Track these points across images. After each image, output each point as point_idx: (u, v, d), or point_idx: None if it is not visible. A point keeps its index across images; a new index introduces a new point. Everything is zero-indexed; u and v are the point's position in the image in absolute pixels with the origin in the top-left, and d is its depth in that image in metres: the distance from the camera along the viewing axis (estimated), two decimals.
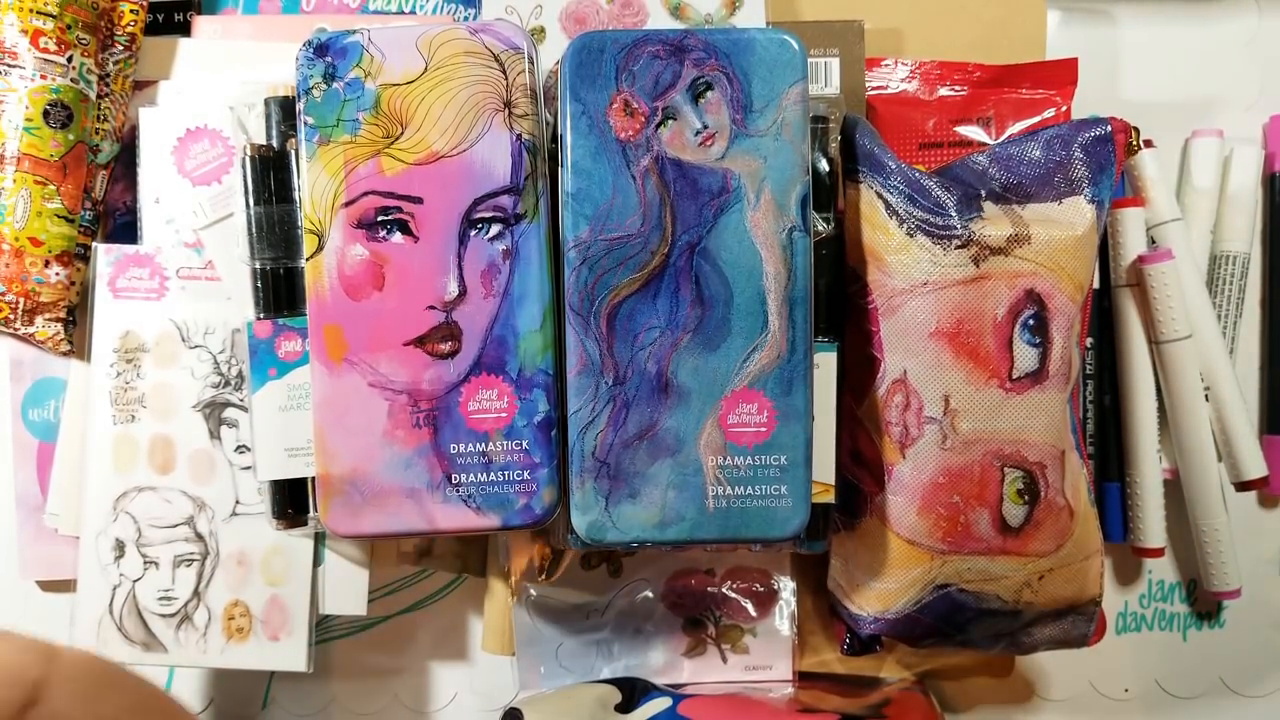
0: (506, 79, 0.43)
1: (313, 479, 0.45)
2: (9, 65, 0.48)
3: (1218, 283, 0.55)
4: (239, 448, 0.49)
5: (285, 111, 0.46)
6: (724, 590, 0.54)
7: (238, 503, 0.50)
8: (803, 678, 0.54)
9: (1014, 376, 0.45)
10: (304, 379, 0.45)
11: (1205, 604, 0.57)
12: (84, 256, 0.51)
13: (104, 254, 0.50)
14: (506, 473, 0.43)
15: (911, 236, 0.45)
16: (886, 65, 0.53)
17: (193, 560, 0.49)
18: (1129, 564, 0.57)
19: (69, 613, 0.50)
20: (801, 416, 0.43)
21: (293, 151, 0.45)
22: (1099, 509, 0.49)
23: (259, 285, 0.45)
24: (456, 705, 0.57)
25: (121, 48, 0.51)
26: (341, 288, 0.43)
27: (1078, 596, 0.48)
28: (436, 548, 0.54)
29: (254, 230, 0.45)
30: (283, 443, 0.45)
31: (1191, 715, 0.58)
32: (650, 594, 0.54)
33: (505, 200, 0.43)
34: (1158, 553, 0.53)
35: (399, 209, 0.43)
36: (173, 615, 0.49)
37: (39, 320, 0.50)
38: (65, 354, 0.52)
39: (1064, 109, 0.52)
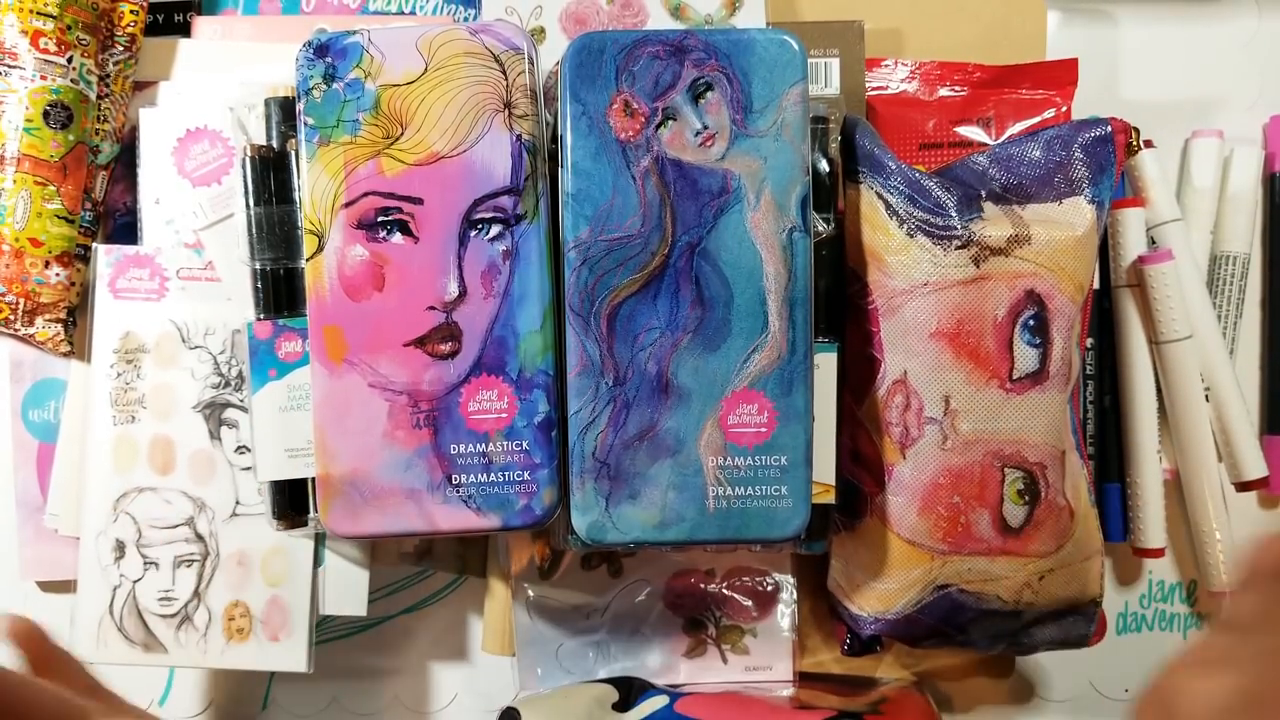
0: (506, 79, 0.43)
1: (313, 479, 0.45)
2: (9, 66, 0.48)
3: (1218, 283, 0.55)
4: (239, 448, 0.49)
5: (285, 112, 0.46)
6: (724, 590, 0.54)
7: (238, 503, 0.49)
8: (802, 678, 0.54)
9: (1014, 377, 0.45)
10: (304, 380, 0.45)
11: (1205, 604, 0.57)
12: (84, 257, 0.51)
13: (104, 255, 0.50)
14: (507, 473, 0.43)
15: (912, 237, 0.45)
16: (886, 65, 0.53)
17: (193, 561, 0.49)
18: (1129, 564, 0.57)
19: (69, 613, 0.50)
20: (802, 417, 0.43)
21: (293, 152, 0.45)
22: (1099, 509, 0.49)
23: (259, 286, 0.45)
24: (456, 706, 0.57)
25: (121, 48, 0.51)
26: (341, 288, 0.43)
27: (1078, 597, 0.48)
28: (437, 548, 0.54)
29: (254, 231, 0.45)
30: (283, 443, 0.45)
31: None
32: (650, 594, 0.54)
33: (505, 201, 0.43)
34: (1158, 553, 0.53)
35: (399, 209, 0.42)
36: (173, 616, 0.49)
37: (39, 321, 0.50)
38: (65, 355, 0.52)
39: (1064, 109, 0.52)
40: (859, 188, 0.47)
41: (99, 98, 0.50)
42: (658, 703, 0.49)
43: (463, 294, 0.43)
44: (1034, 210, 0.46)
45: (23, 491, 0.52)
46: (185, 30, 0.53)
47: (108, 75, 0.51)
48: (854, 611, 0.49)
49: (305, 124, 0.43)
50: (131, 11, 0.51)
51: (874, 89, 0.53)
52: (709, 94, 0.43)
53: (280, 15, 0.53)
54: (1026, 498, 0.46)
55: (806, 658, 0.54)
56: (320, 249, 0.43)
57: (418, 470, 0.43)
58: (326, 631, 0.56)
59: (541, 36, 0.52)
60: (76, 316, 0.51)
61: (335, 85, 0.43)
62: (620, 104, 0.42)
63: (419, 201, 0.42)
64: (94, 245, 0.50)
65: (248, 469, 0.49)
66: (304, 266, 0.43)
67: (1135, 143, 0.48)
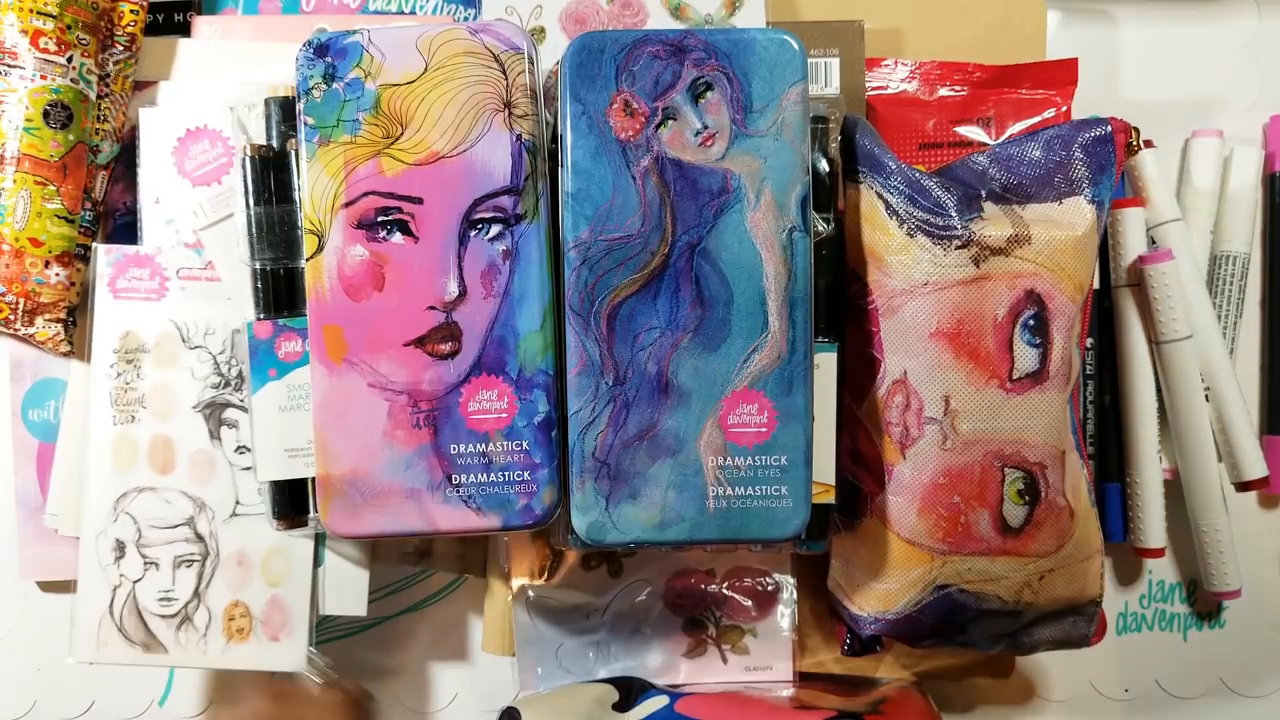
0: (506, 79, 0.43)
1: (313, 479, 0.45)
2: (9, 65, 0.48)
3: (1218, 283, 0.55)
4: (239, 448, 0.49)
5: (285, 112, 0.46)
6: (724, 590, 0.54)
7: (238, 503, 0.49)
8: (802, 678, 0.54)
9: (1014, 377, 0.45)
10: (304, 379, 0.45)
11: (1205, 604, 0.58)
12: (84, 257, 0.51)
13: (104, 254, 0.50)
14: (507, 473, 0.43)
15: (912, 237, 0.45)
16: (886, 65, 0.53)
17: (193, 561, 0.49)
18: (1129, 564, 0.57)
19: (69, 613, 0.50)
20: (802, 417, 0.43)
21: (293, 152, 0.45)
22: (1099, 509, 0.49)
23: (259, 286, 0.45)
24: (457, 706, 0.57)
25: (121, 48, 0.51)
26: (341, 288, 0.43)
27: (1078, 597, 0.48)
28: (437, 548, 0.54)
29: (254, 230, 0.45)
30: (283, 443, 0.45)
31: (1191, 715, 0.58)
32: (650, 594, 0.54)
33: (505, 200, 0.43)
34: (1158, 553, 0.53)
35: (399, 209, 0.42)
36: (173, 616, 0.49)
37: (39, 321, 0.50)
38: (65, 354, 0.52)
39: (1064, 109, 0.52)
40: (859, 187, 0.47)
41: (99, 97, 0.50)
42: (658, 703, 0.49)
43: (463, 294, 0.43)
44: (1034, 210, 0.46)
45: (23, 491, 0.52)
46: (185, 30, 0.53)
47: (108, 75, 0.51)
48: (854, 611, 0.49)
49: (305, 124, 0.43)
50: (131, 11, 0.51)
51: (874, 89, 0.53)
52: (709, 94, 0.43)
53: (280, 15, 0.53)
54: (1026, 498, 0.46)
55: (806, 658, 0.54)
56: (320, 249, 0.43)
57: (418, 470, 0.43)
58: (326, 631, 0.56)
59: (541, 36, 0.52)
60: (76, 316, 0.51)
61: (335, 85, 0.43)
62: (620, 104, 0.42)
63: (419, 201, 0.42)
64: (94, 245, 0.50)
65: (248, 469, 0.49)
66: (304, 266, 0.43)
67: (1135, 143, 0.48)
